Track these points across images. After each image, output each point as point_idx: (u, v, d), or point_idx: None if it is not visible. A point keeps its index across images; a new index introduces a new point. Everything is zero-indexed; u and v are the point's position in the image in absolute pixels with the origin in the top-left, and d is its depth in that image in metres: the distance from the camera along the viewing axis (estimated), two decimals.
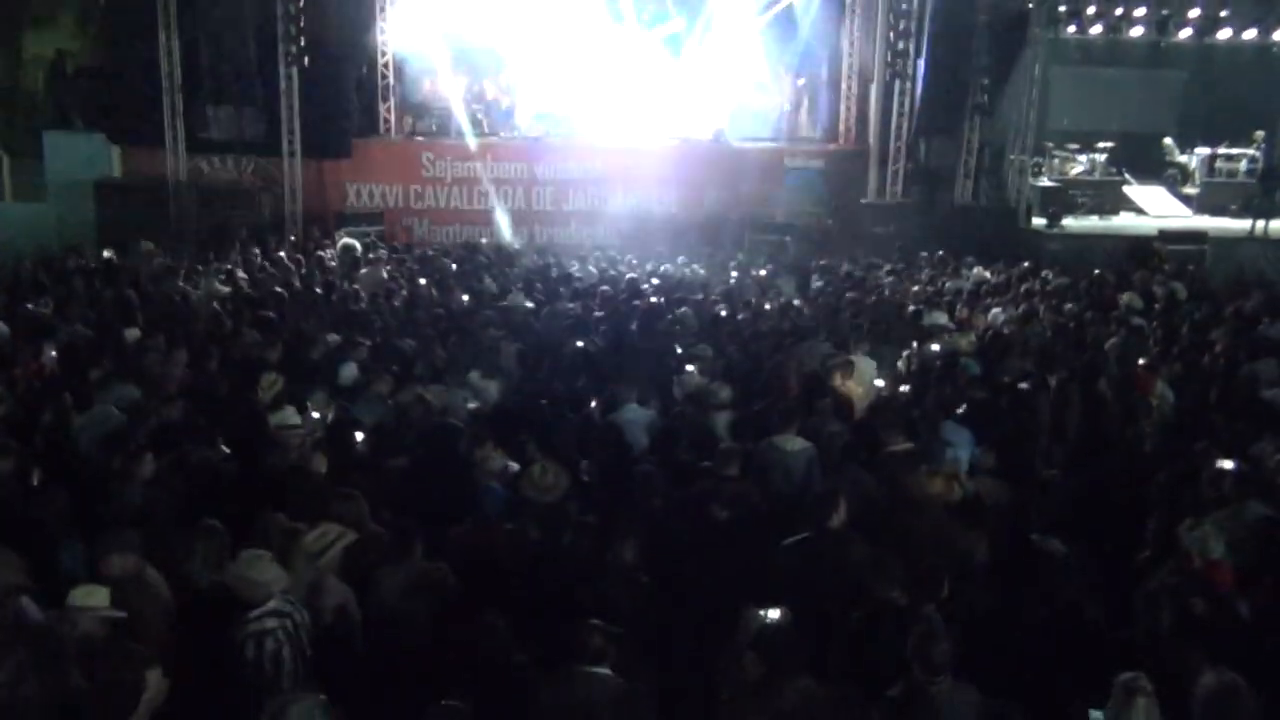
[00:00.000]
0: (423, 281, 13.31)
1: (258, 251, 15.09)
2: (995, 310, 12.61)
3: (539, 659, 4.75)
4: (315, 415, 7.66)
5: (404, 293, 12.68)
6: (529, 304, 12.05)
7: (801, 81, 21.42)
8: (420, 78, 20.28)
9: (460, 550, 5.80)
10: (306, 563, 5.24)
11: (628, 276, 14.10)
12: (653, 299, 12.37)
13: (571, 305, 12.02)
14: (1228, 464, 6.92)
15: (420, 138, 20.10)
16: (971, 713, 4.39)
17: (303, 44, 17.92)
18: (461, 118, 19.89)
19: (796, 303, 12.63)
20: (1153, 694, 4.03)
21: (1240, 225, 18.76)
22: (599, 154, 19.47)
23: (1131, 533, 6.36)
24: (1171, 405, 8.81)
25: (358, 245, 16.17)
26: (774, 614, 4.74)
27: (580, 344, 9.99)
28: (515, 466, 6.74)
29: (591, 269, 14.85)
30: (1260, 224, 18.37)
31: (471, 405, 8.26)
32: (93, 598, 4.61)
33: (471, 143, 19.59)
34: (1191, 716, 4.11)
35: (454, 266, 14.92)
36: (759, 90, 21.18)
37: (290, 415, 7.63)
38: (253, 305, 11.41)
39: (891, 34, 19.11)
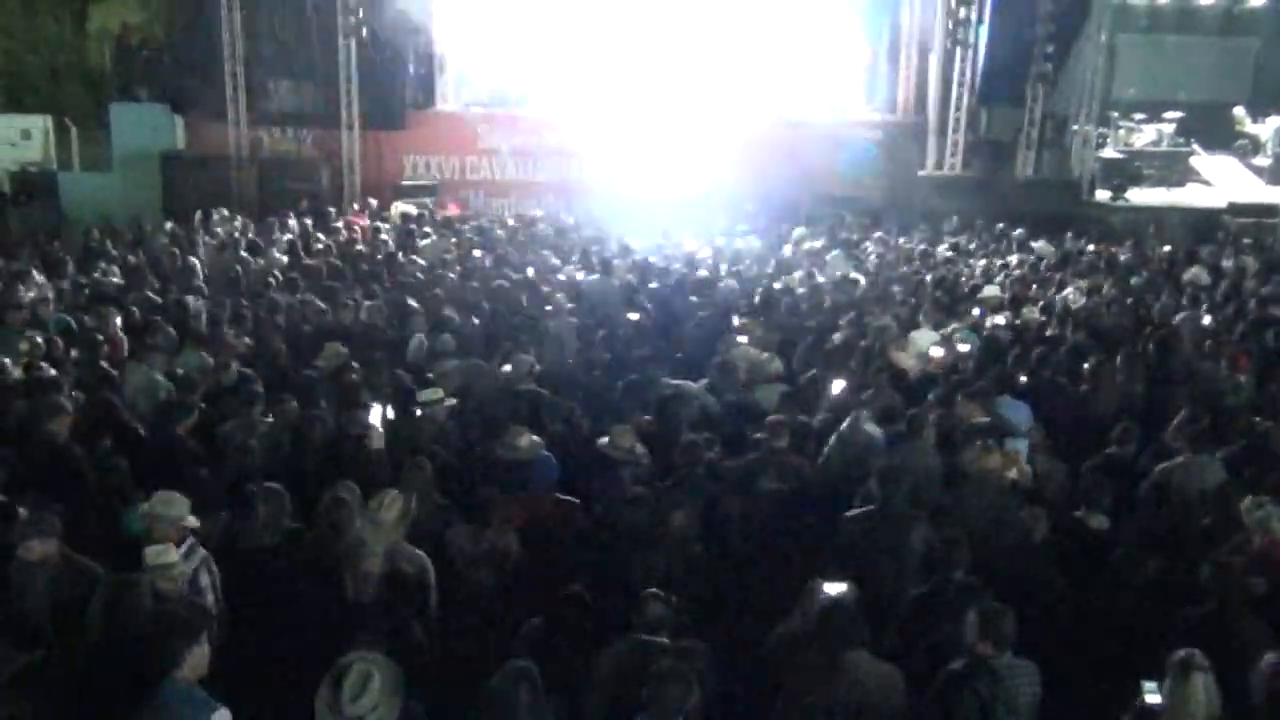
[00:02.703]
0: (477, 254, 13.38)
1: (312, 222, 15.33)
2: (1060, 285, 12.41)
3: (599, 626, 4.81)
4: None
5: (460, 266, 12.75)
6: (584, 275, 12.09)
7: (862, 53, 21.10)
8: (477, 50, 20.32)
9: (517, 518, 5.88)
10: (378, 529, 5.35)
11: (683, 250, 14.05)
12: (705, 272, 12.34)
13: (627, 277, 12.02)
14: None
15: (476, 109, 20.17)
16: (1030, 687, 4.37)
17: (360, 16, 18.05)
18: (518, 90, 19.88)
19: (854, 276, 12.50)
20: (1210, 670, 3.97)
21: None
22: (656, 127, 19.37)
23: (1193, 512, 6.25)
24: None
25: (414, 210, 16.35)
26: (837, 588, 4.74)
27: (634, 316, 10.01)
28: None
29: (647, 242, 14.82)
30: None
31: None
32: (164, 557, 4.77)
33: (527, 115, 19.61)
34: (1249, 694, 4.05)
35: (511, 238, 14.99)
36: (819, 62, 20.89)
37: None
38: (313, 276, 11.57)
39: (953, 1, 18.74)
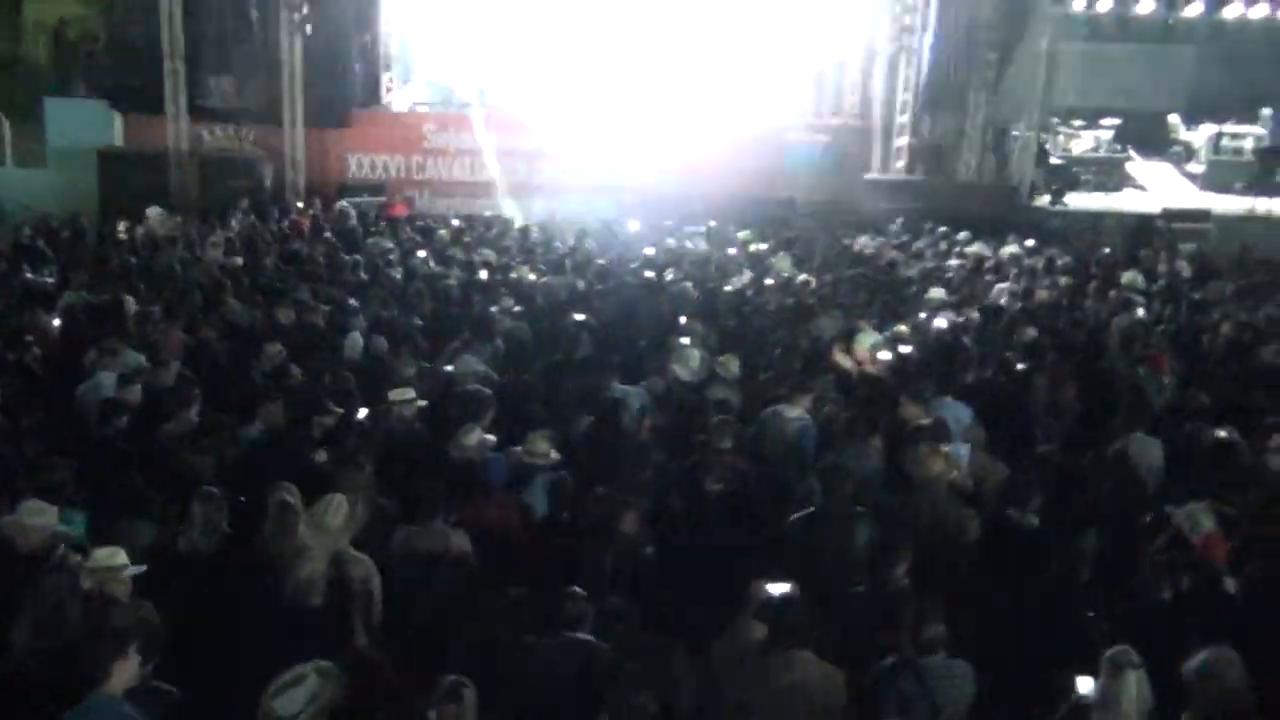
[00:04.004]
0: (421, 254, 13.28)
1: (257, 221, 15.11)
2: (997, 287, 12.61)
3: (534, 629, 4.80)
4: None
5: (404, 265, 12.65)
6: (531, 276, 12.05)
7: (809, 57, 21.23)
8: (423, 47, 20.18)
9: (468, 521, 5.86)
10: (321, 534, 5.28)
11: (630, 251, 14.06)
12: (653, 273, 12.36)
13: (574, 278, 12.00)
14: (1222, 433, 7.00)
15: (422, 108, 20.00)
16: (962, 687, 4.43)
17: (305, 13, 17.82)
18: (465, 89, 19.76)
19: (799, 277, 12.59)
20: (1142, 667, 4.06)
21: (1245, 203, 18.73)
22: (602, 128, 19.36)
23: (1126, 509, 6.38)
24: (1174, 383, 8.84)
25: (353, 211, 16.18)
26: (781, 588, 4.78)
27: (581, 317, 10.00)
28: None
29: (594, 243, 14.81)
30: (1262, 202, 18.38)
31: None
32: (113, 559, 4.68)
33: (474, 114, 19.51)
34: (1181, 689, 4.14)
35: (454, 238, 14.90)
36: (768, 66, 21.01)
37: None
38: (253, 275, 11.41)
39: (898, 8, 18.96)
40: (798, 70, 21.17)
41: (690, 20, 20.26)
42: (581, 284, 11.73)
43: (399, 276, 11.85)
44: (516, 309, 10.42)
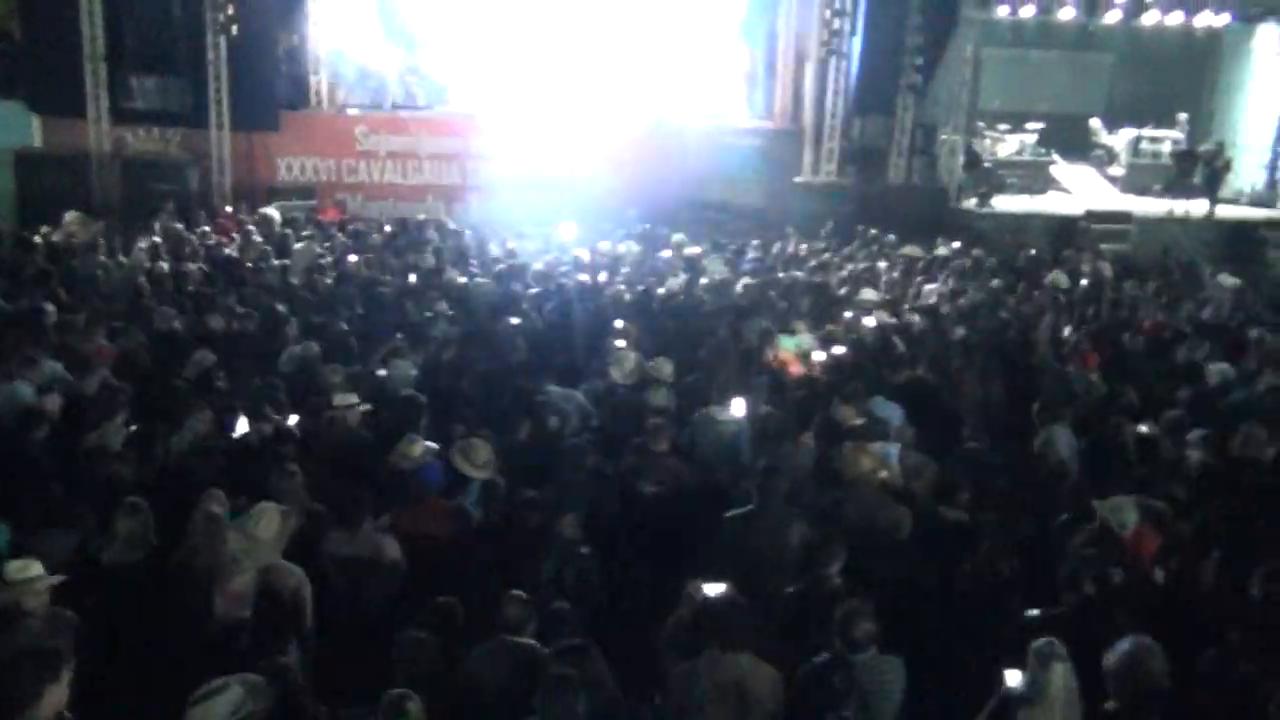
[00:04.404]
0: (353, 258, 13.13)
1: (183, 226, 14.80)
2: (927, 288, 12.82)
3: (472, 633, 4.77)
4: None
5: (335, 270, 12.49)
6: (464, 280, 11.97)
7: (741, 60, 21.41)
8: (353, 49, 19.92)
9: (402, 528, 5.80)
10: (251, 544, 5.18)
11: (565, 254, 14.04)
12: (587, 277, 12.36)
13: (508, 282, 11.95)
14: (1144, 428, 7.19)
15: (353, 111, 19.77)
16: (893, 682, 4.50)
17: (231, 13, 17.49)
18: (396, 91, 19.58)
19: (732, 280, 12.68)
20: (1068, 658, 4.15)
21: (1164, 205, 19.28)
22: (537, 130, 19.31)
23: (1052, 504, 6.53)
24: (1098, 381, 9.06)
25: (277, 216, 15.93)
26: (716, 588, 4.82)
27: (515, 320, 9.96)
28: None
29: (528, 246, 14.77)
30: (1180, 205, 18.94)
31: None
32: (28, 570, 4.56)
33: (406, 117, 19.32)
34: (1105, 679, 4.25)
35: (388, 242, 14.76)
36: (697, 68, 21.13)
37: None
38: (180, 280, 11.18)
39: (827, 12, 19.18)
40: (729, 74, 21.34)
41: (624, 24, 20.30)
42: (517, 287, 11.67)
43: (331, 281, 11.69)
44: (450, 313, 10.34)
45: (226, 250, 13.49)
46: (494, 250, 14.29)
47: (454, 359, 8.93)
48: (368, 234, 15.21)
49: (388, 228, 16.11)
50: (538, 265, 12.92)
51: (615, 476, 6.56)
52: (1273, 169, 21.32)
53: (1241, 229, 18.30)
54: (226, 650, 4.57)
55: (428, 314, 10.14)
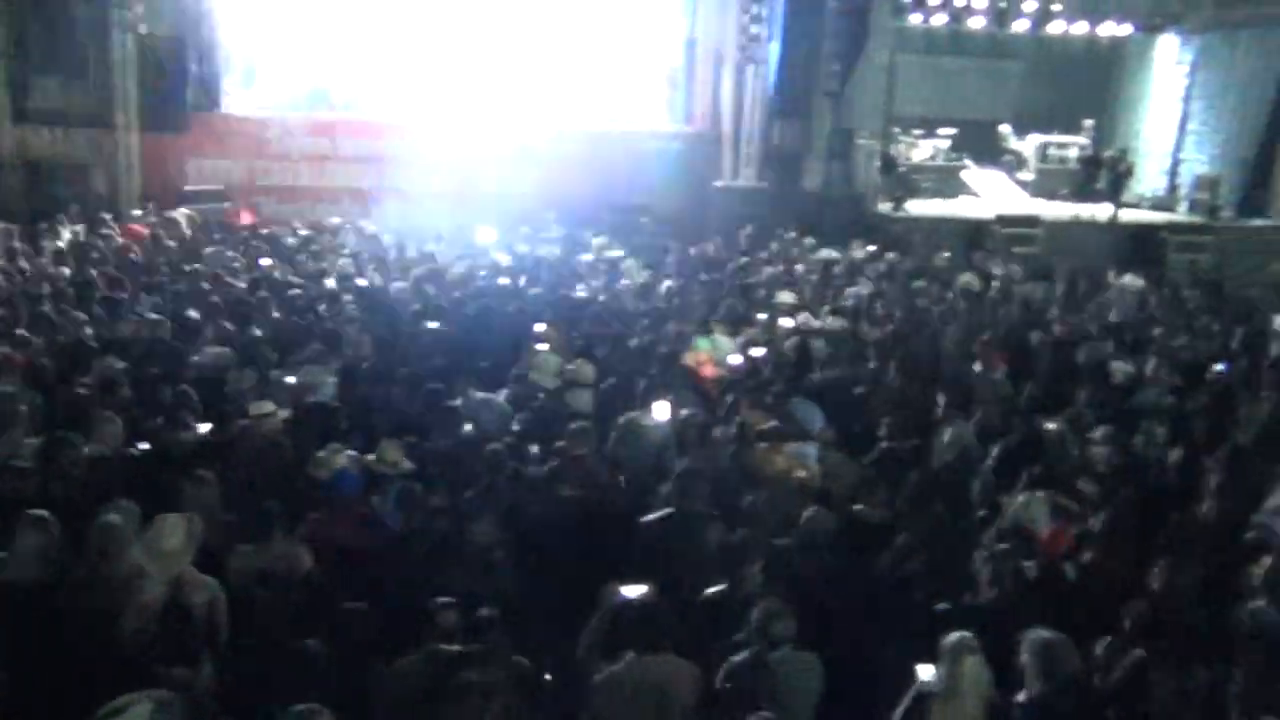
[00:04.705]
0: (266, 262, 12.88)
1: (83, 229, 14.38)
2: (846, 291, 13.01)
3: (393, 642, 4.71)
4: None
5: (249, 274, 12.25)
6: (381, 285, 11.83)
7: (660, 65, 21.50)
8: (266, 50, 19.54)
9: (319, 536, 5.71)
10: (158, 556, 5.04)
11: (484, 258, 13.96)
12: (507, 280, 12.30)
13: (425, 286, 11.84)
14: (1052, 426, 7.40)
15: (266, 113, 19.38)
16: (810, 680, 4.56)
17: (137, 10, 17.03)
18: (311, 93, 19.25)
19: (653, 283, 12.73)
20: (980, 652, 4.25)
21: (1070, 209, 19.85)
22: (456, 133, 19.16)
23: (966, 501, 6.68)
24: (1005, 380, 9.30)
25: (183, 220, 15.56)
26: (636, 590, 4.83)
27: (433, 325, 9.87)
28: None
29: (446, 250, 14.65)
30: (1086, 209, 19.53)
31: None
32: None
33: (321, 119, 19.01)
34: (1018, 673, 4.36)
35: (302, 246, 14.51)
36: (616, 73, 21.17)
37: None
38: (85, 287, 10.85)
39: (745, 18, 19.37)
40: (649, 78, 21.42)
41: (544, 25, 20.26)
42: (435, 291, 11.57)
43: (244, 287, 11.46)
44: (366, 318, 10.20)
45: (134, 255, 13.12)
46: (412, 254, 14.13)
47: (371, 365, 8.81)
48: (282, 238, 14.93)
49: (302, 231, 15.84)
50: (456, 269, 12.82)
51: (536, 481, 6.53)
52: (1173, 174, 22.14)
53: (1144, 232, 18.91)
54: (135, 666, 4.44)
55: (343, 319, 9.97)
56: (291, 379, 8.00)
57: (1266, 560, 5.56)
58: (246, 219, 17.34)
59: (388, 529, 5.92)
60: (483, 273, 12.62)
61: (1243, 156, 20.51)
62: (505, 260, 13.76)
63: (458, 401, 7.68)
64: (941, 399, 8.14)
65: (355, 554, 5.65)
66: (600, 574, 5.26)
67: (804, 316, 11.24)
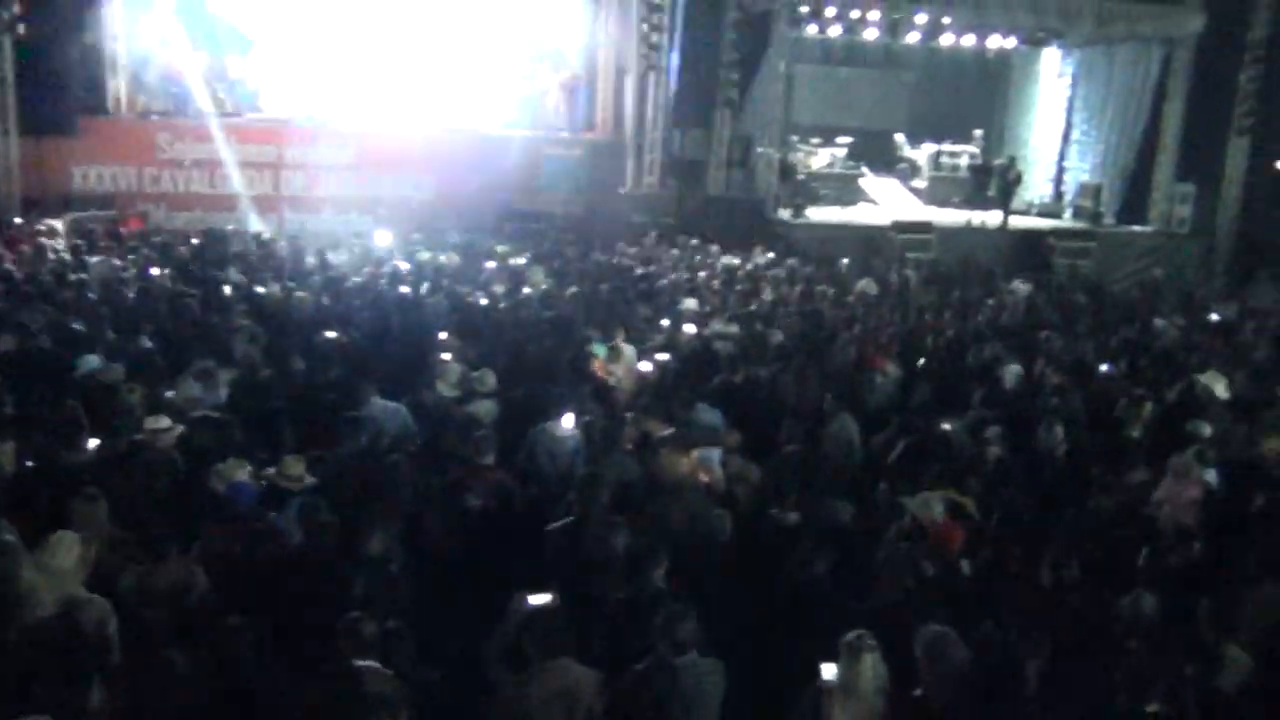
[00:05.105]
0: (156, 271, 12.48)
1: None
2: (747, 296, 13.18)
3: (299, 658, 4.62)
4: None
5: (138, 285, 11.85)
6: (279, 294, 11.56)
7: (563, 72, 21.48)
8: (155, 52, 18.94)
9: (214, 551, 5.56)
10: (49, 577, 4.85)
11: (384, 265, 13.76)
12: (408, 288, 12.15)
13: (323, 295, 11.63)
14: (946, 425, 7.62)
15: (155, 117, 18.80)
16: (714, 684, 4.61)
17: (16, 11, 16.36)
18: (202, 97, 18.76)
19: (557, 290, 12.72)
20: (878, 649, 4.35)
21: (962, 216, 20.45)
22: (353, 139, 18.87)
23: (866, 500, 6.83)
24: (896, 380, 9.55)
25: (59, 226, 15.02)
26: (541, 599, 4.81)
27: (332, 334, 9.69)
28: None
29: (345, 257, 14.40)
30: (977, 215, 20.14)
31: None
32: None
33: (213, 124, 18.54)
34: (913, 667, 4.48)
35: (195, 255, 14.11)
36: (518, 79, 21.10)
37: None
38: None
39: (645, 26, 19.51)
40: (552, 85, 21.39)
41: (444, 30, 20.08)
42: (326, 300, 11.36)
43: (133, 296, 11.09)
44: (262, 328, 9.96)
45: (7, 265, 12.56)
46: (310, 262, 13.85)
47: (268, 376, 8.61)
48: (173, 246, 14.50)
49: (194, 240, 15.40)
50: (356, 277, 12.61)
51: (439, 491, 6.47)
52: (1058, 182, 23.02)
53: (1031, 238, 19.59)
54: (22, 689, 4.26)
55: (238, 330, 9.72)
56: (184, 391, 7.76)
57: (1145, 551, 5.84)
58: (134, 226, 16.78)
59: (284, 544, 5.79)
60: (382, 281, 12.43)
61: (1122, 165, 21.43)
62: (406, 268, 13.58)
63: (360, 412, 7.54)
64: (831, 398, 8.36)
65: (251, 570, 5.52)
66: (506, 583, 5.24)
67: (707, 322, 11.34)
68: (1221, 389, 9.48)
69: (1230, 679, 4.80)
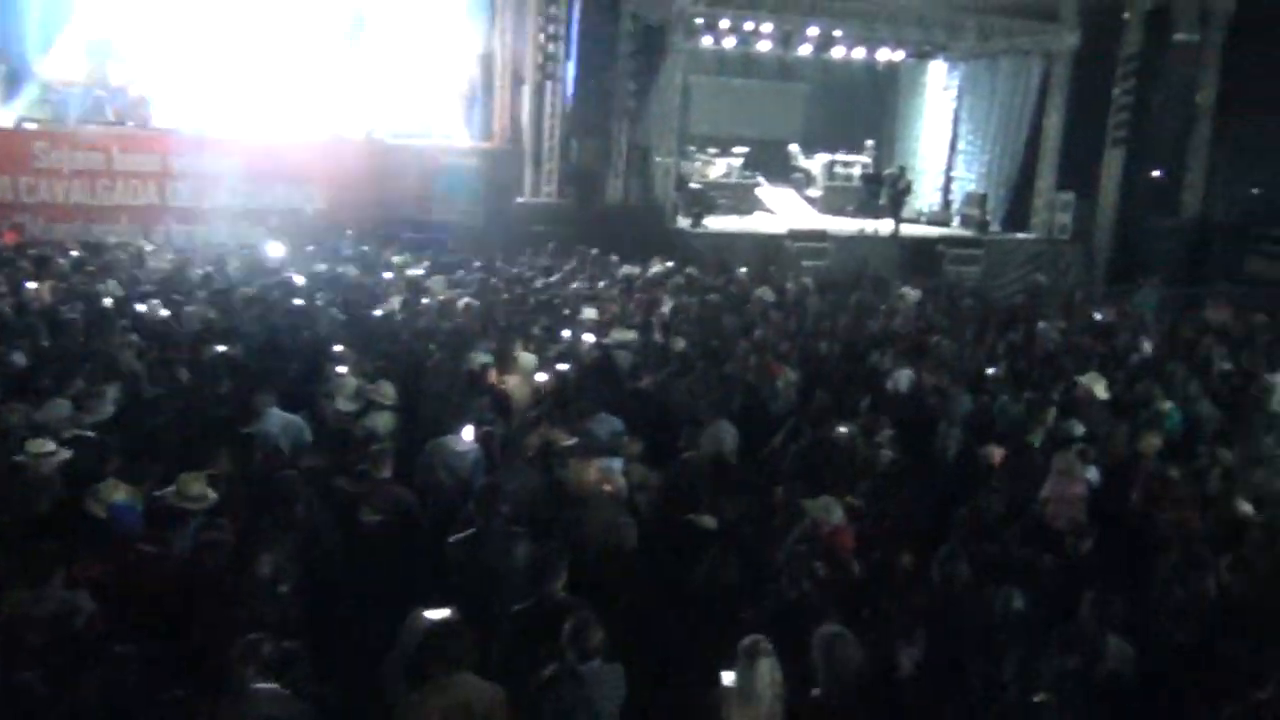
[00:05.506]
0: (33, 285, 11.98)
1: None
2: (647, 305, 13.23)
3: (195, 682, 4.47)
4: None
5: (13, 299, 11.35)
6: (164, 309, 11.19)
7: (459, 80, 21.30)
8: (31, 56, 18.19)
9: (90, 576, 5.33)
10: None
11: (275, 277, 13.45)
12: (301, 300, 11.89)
13: (211, 308, 11.30)
14: (842, 429, 7.78)
15: (31, 125, 18.04)
16: (616, 690, 4.61)
17: None
18: (82, 105, 18.06)
19: (455, 301, 12.58)
20: (774, 653, 4.40)
21: (856, 224, 20.91)
22: (243, 148, 18.36)
23: (764, 503, 6.91)
24: (795, 385, 9.70)
25: None
26: (440, 613, 4.74)
27: (221, 349, 9.42)
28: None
29: (234, 270, 14.02)
30: (869, 224, 20.62)
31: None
32: None
33: (94, 132, 17.87)
34: (809, 669, 4.54)
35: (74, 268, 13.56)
36: (413, 88, 20.85)
37: None
38: None
39: (542, 35, 19.47)
40: (447, 94, 21.20)
41: (338, 37, 19.75)
42: (213, 314, 11.05)
43: (9, 311, 10.62)
44: (147, 344, 9.63)
45: None
46: (197, 274, 13.44)
47: (154, 392, 8.33)
48: (51, 259, 13.92)
49: (74, 252, 14.82)
50: (247, 290, 12.29)
51: (335, 506, 6.34)
52: (946, 191, 23.72)
53: (922, 245, 20.13)
54: None
55: (121, 345, 9.37)
56: (55, 411, 7.43)
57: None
58: (9, 239, 16.07)
59: (170, 565, 5.59)
60: (274, 293, 12.13)
61: (1006, 175, 22.19)
62: (299, 280, 13.28)
63: (255, 427, 7.35)
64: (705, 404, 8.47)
65: (134, 594, 5.32)
66: (405, 599, 5.16)
67: (606, 331, 11.35)
68: (1101, 390, 9.83)
69: (1112, 667, 4.99)
